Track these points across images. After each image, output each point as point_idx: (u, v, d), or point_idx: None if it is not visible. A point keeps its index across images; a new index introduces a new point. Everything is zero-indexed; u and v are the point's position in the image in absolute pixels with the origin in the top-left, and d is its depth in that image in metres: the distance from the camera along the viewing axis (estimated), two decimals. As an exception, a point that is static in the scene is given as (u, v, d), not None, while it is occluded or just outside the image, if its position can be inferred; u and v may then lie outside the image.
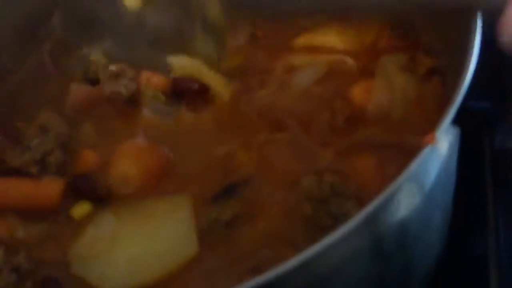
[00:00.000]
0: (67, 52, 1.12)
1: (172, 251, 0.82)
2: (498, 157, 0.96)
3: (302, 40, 1.07)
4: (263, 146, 0.93)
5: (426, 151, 0.68)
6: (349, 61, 1.01)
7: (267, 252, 0.79)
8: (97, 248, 0.83)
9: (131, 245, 0.82)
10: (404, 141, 0.82)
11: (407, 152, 0.70)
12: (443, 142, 0.74)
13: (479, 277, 0.96)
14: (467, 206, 0.95)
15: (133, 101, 1.00)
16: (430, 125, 0.70)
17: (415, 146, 0.70)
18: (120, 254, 0.81)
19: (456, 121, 0.74)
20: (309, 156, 0.90)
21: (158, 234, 0.83)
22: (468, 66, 0.71)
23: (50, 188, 0.90)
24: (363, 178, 0.86)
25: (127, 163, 0.92)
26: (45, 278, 0.82)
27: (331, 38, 1.05)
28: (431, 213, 0.83)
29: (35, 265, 0.83)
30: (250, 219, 0.85)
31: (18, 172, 0.92)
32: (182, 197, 0.88)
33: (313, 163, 0.89)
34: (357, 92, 0.97)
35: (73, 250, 0.84)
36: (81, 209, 0.89)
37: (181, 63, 1.03)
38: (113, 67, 1.01)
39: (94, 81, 1.04)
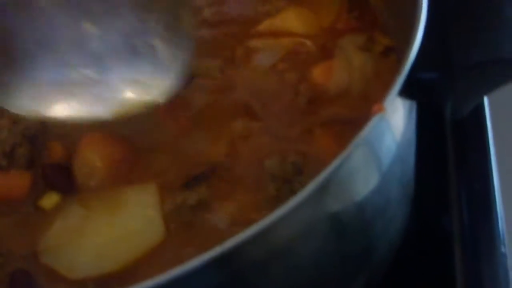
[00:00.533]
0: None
1: (139, 237, 0.83)
2: (458, 129, 0.97)
3: (263, 26, 1.08)
4: (236, 137, 0.94)
5: (376, 118, 0.69)
6: (308, 43, 1.03)
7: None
8: (65, 238, 0.84)
9: (99, 234, 0.83)
10: (361, 116, 0.83)
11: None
12: (396, 113, 0.75)
13: (444, 252, 0.96)
14: (429, 180, 0.96)
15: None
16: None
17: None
18: (88, 243, 0.82)
19: (412, 93, 0.76)
20: (275, 139, 0.92)
21: (125, 222, 0.84)
22: (414, 37, 0.73)
23: (18, 180, 0.91)
24: (325, 156, 0.86)
25: (91, 154, 0.92)
26: (15, 270, 0.83)
27: (291, 23, 1.07)
28: (390, 187, 0.84)
29: (5, 258, 0.84)
30: (217, 203, 0.86)
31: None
32: (149, 185, 0.89)
33: (278, 145, 0.90)
34: (318, 73, 0.99)
35: (42, 240, 0.85)
36: (50, 199, 0.90)
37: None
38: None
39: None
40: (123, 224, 0.84)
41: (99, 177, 0.91)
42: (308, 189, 0.65)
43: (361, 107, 0.90)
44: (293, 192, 0.79)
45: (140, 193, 0.88)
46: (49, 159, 0.94)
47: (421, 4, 0.76)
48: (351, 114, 0.91)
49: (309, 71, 0.99)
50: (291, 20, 1.07)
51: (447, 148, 0.96)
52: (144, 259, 0.82)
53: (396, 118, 0.77)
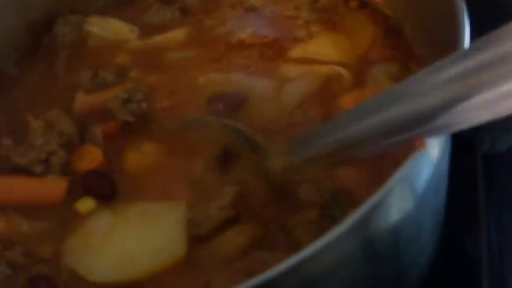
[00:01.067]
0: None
1: (161, 254, 0.84)
2: (488, 161, 0.98)
3: (297, 51, 1.09)
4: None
5: (417, 154, 0.70)
6: (344, 72, 1.03)
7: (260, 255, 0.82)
8: (90, 242, 0.86)
9: (124, 241, 0.86)
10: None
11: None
12: (434, 146, 0.76)
13: (472, 278, 0.98)
14: (459, 209, 0.97)
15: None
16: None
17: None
18: (112, 249, 0.85)
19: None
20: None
21: (151, 232, 0.86)
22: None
23: (54, 186, 0.94)
24: (354, 187, 0.88)
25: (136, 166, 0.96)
26: (36, 274, 0.85)
27: (326, 49, 1.07)
28: (424, 216, 0.85)
29: (31, 261, 0.86)
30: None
31: (23, 170, 0.95)
32: (179, 202, 0.91)
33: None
34: (347, 101, 0.99)
35: (67, 242, 0.88)
36: (86, 204, 0.92)
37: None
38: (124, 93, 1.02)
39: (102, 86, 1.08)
40: (148, 235, 0.86)
41: (141, 188, 0.94)
42: (348, 222, 0.67)
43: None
44: (333, 219, 0.82)
45: (170, 208, 0.90)
46: (86, 165, 0.96)
47: (463, 37, 0.77)
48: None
49: (340, 100, 0.99)
50: (326, 46, 1.07)
51: (477, 177, 0.98)
52: (164, 272, 0.83)
53: (433, 151, 0.78)
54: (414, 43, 1.04)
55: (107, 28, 1.18)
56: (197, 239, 0.85)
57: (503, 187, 1.04)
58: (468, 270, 1.00)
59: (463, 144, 0.88)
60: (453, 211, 0.96)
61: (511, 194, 1.04)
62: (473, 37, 0.76)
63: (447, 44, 0.81)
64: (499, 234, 0.99)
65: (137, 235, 0.86)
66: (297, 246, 0.71)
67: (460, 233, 1.02)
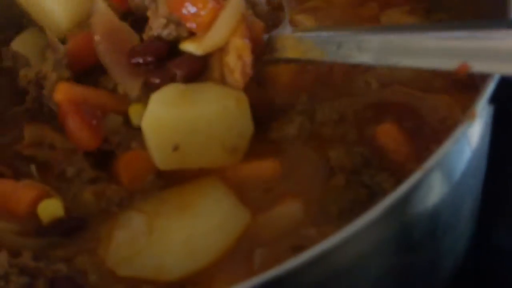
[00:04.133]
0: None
1: (226, 228, 0.78)
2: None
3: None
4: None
5: (458, 136, 0.63)
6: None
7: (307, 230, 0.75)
8: (136, 246, 0.78)
9: (176, 231, 0.78)
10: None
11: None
12: (476, 125, 0.69)
13: (505, 271, 0.91)
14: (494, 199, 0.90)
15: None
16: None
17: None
18: (170, 243, 0.77)
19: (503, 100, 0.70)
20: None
21: (201, 213, 0.79)
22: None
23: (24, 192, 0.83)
24: (392, 149, 0.81)
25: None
26: (55, 276, 0.76)
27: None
28: (462, 199, 0.77)
29: (44, 263, 0.76)
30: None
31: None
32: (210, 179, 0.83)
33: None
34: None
35: (110, 255, 0.78)
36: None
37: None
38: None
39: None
40: (199, 216, 0.79)
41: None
42: (383, 205, 0.58)
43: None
44: (362, 184, 0.76)
45: (204, 190, 0.82)
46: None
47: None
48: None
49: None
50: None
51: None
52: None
53: (474, 129, 0.70)
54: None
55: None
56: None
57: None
58: (501, 263, 0.93)
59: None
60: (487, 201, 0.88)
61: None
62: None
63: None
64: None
65: (185, 221, 0.79)
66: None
67: (493, 225, 0.94)
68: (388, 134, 0.81)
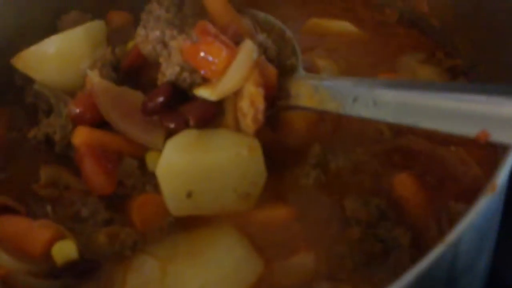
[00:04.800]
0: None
1: (239, 272, 0.78)
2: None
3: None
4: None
5: (481, 207, 0.62)
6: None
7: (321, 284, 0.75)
8: None
9: (189, 279, 0.78)
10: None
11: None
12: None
13: None
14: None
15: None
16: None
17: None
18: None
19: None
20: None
21: (213, 261, 0.79)
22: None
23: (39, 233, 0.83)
24: (404, 195, 0.80)
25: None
26: None
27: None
28: (481, 245, 0.76)
29: None
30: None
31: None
32: (224, 227, 0.84)
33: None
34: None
35: None
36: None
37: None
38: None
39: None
40: (211, 264, 0.79)
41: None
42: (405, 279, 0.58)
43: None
44: (378, 238, 0.76)
45: (217, 237, 0.83)
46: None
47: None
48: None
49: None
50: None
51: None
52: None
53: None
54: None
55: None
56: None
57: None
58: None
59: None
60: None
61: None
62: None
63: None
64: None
65: (198, 268, 0.79)
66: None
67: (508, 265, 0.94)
68: (405, 185, 0.80)
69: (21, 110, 1.03)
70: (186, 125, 0.86)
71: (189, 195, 0.82)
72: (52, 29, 1.05)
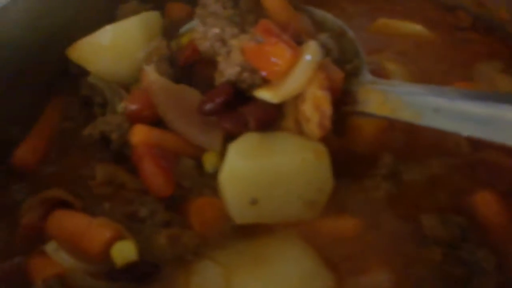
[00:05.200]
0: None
1: (307, 285, 0.75)
2: None
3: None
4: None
5: None
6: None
7: None
8: None
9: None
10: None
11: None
12: None
13: None
14: None
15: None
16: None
17: None
18: None
19: None
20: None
21: (279, 272, 0.76)
22: None
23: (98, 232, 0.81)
24: (487, 215, 0.77)
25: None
26: None
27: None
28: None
29: None
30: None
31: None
32: (290, 237, 0.81)
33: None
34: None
35: None
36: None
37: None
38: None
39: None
40: (280, 279, 0.76)
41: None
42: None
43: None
44: (460, 261, 0.72)
45: (283, 247, 0.80)
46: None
47: None
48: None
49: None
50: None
51: None
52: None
53: None
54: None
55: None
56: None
57: None
58: None
59: None
60: None
61: None
62: None
63: None
64: None
65: (265, 279, 0.77)
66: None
67: None
68: (487, 203, 0.77)
69: (76, 100, 1.00)
70: (245, 127, 0.83)
71: (253, 202, 0.79)
72: (110, 19, 1.02)
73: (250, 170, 0.79)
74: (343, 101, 0.85)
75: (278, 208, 0.80)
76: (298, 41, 0.83)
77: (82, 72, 0.99)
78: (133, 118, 0.89)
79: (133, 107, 0.89)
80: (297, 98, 0.82)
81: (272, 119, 0.83)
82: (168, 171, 0.85)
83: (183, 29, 0.98)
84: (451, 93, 0.76)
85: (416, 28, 1.01)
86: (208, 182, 0.85)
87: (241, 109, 0.84)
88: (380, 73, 0.91)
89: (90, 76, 0.98)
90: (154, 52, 0.95)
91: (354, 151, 0.87)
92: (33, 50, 0.99)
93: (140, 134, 0.86)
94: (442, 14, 1.04)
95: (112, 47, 0.96)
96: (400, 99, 0.79)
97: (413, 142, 0.87)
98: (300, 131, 0.82)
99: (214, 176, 0.83)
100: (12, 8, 0.95)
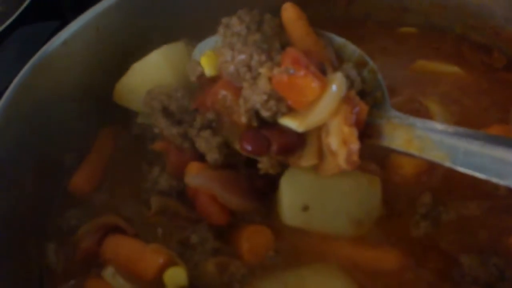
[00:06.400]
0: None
1: None
2: None
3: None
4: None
5: None
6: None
7: None
8: None
9: None
10: None
11: None
12: None
13: None
14: None
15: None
16: None
17: None
18: None
19: None
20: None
21: None
22: None
23: (152, 257, 0.86)
24: None
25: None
26: None
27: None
28: None
29: None
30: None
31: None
32: (329, 267, 0.85)
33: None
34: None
35: None
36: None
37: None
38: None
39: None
40: None
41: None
42: None
43: None
44: None
45: (326, 279, 0.84)
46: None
47: None
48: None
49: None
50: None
51: None
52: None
53: None
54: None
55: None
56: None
57: None
58: None
59: None
60: None
61: None
62: None
63: None
64: None
65: None
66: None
67: None
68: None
69: (127, 133, 1.04)
70: (266, 151, 0.85)
71: (304, 208, 0.86)
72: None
73: (309, 179, 0.87)
74: (366, 133, 0.85)
75: (325, 219, 0.87)
76: (321, 70, 0.85)
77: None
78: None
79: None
80: (321, 129, 0.83)
81: (294, 146, 0.86)
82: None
83: (202, 44, 0.98)
84: (483, 137, 0.74)
85: (453, 70, 1.03)
86: (259, 210, 0.90)
87: (264, 132, 0.86)
88: (422, 113, 0.94)
89: (139, 117, 1.01)
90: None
91: (396, 186, 0.90)
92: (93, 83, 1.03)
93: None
94: (479, 55, 1.06)
95: (143, 83, 0.98)
96: (428, 137, 0.78)
97: (452, 182, 0.89)
98: (321, 160, 0.85)
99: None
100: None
